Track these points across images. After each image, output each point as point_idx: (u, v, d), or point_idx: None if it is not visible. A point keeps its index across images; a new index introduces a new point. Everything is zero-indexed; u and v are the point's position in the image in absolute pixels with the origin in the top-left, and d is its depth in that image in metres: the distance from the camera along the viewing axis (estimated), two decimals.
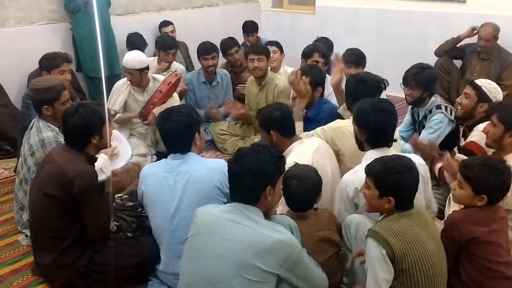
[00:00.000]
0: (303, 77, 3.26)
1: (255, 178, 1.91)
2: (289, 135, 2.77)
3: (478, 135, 2.91)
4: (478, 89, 3.08)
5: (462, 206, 2.29)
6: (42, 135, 2.85)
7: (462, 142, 3.22)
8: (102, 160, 2.72)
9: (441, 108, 3.27)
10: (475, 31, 4.76)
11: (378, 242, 1.91)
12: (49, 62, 3.52)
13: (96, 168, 2.49)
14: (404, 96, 3.46)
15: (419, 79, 3.25)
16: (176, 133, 2.40)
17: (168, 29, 5.46)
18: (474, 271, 2.12)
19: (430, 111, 3.31)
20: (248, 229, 1.86)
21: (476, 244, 2.10)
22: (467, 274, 2.13)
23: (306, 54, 4.06)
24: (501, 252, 2.13)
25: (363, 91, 2.83)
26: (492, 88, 3.09)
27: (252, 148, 2.00)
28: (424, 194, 2.44)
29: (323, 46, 4.19)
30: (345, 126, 2.82)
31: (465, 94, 3.14)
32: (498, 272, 2.11)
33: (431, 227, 2.07)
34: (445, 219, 2.32)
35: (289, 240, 1.87)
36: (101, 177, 2.48)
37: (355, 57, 4.05)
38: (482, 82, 3.13)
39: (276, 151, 2.03)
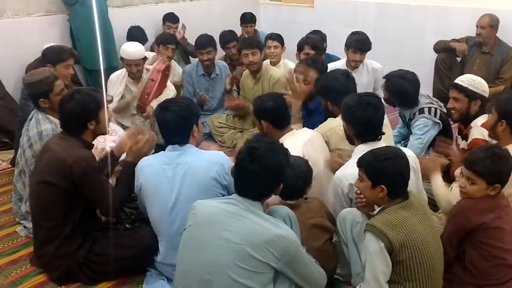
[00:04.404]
0: (300, 76, 3.25)
1: (274, 179, 1.95)
2: (281, 126, 2.78)
3: (477, 131, 2.90)
4: (464, 90, 3.00)
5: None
6: (41, 127, 2.86)
7: (460, 140, 3.21)
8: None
9: (423, 112, 3.24)
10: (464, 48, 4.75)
11: (376, 235, 1.93)
12: (55, 56, 3.48)
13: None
14: None
15: (386, 83, 3.32)
16: (174, 124, 2.40)
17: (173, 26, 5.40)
18: (479, 258, 2.14)
19: (414, 115, 3.30)
20: (249, 221, 1.87)
21: (483, 230, 2.12)
22: (471, 262, 2.15)
23: (298, 47, 4.14)
24: (505, 239, 2.15)
25: (353, 87, 2.96)
26: (477, 84, 3.00)
27: (267, 147, 1.95)
28: (416, 185, 2.46)
29: (315, 38, 4.21)
30: (337, 126, 2.83)
31: (453, 98, 3.07)
32: (503, 259, 2.14)
33: (429, 218, 2.09)
34: (452, 206, 2.32)
35: (289, 235, 1.89)
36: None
37: (362, 44, 4.09)
38: (465, 82, 3.03)
39: (285, 148, 2.05)
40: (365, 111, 2.37)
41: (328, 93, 2.99)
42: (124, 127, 3.87)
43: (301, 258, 1.95)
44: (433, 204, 2.77)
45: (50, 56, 3.49)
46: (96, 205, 2.49)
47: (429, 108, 3.25)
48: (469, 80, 3.03)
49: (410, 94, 3.29)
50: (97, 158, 2.63)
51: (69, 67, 3.52)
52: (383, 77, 3.41)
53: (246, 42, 4.22)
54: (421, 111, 3.26)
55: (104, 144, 2.88)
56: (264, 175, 1.90)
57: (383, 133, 2.47)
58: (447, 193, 2.54)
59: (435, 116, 3.24)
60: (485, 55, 4.73)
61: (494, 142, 2.87)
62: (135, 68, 3.93)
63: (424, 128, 3.22)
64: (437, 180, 2.63)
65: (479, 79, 3.07)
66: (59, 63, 3.45)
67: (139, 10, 5.59)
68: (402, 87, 3.26)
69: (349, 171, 2.31)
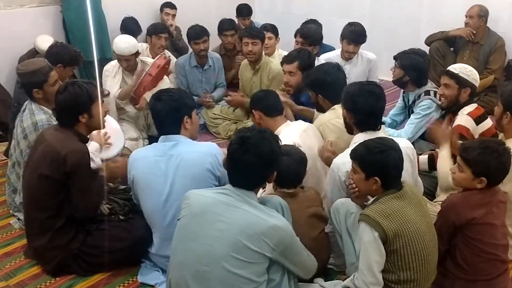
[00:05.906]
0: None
1: (269, 167, 1.95)
2: (272, 114, 2.80)
3: (463, 118, 2.94)
4: (455, 76, 3.02)
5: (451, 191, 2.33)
6: (35, 118, 2.84)
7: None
8: (93, 147, 2.75)
9: (429, 94, 3.27)
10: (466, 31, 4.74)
11: (370, 225, 1.94)
12: (70, 59, 3.40)
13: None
14: None
15: (402, 60, 3.33)
16: (164, 114, 2.40)
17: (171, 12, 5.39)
18: (470, 254, 2.14)
19: (419, 97, 3.32)
20: (244, 212, 1.87)
21: (473, 226, 2.12)
22: (463, 257, 2.15)
23: (294, 35, 4.16)
24: (497, 235, 2.15)
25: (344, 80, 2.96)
26: (468, 72, 3.03)
27: (258, 136, 1.94)
28: (411, 176, 2.46)
29: (308, 27, 4.23)
30: (328, 121, 2.84)
31: (444, 85, 3.08)
32: (494, 255, 2.14)
33: (423, 208, 2.09)
34: (443, 201, 2.33)
35: (284, 225, 1.89)
36: (92, 164, 2.51)
37: (356, 36, 4.10)
38: (457, 69, 3.06)
39: (276, 135, 2.05)
40: (367, 99, 2.37)
41: (320, 87, 2.98)
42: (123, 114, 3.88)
43: (295, 247, 1.96)
44: (430, 194, 2.79)
45: (67, 58, 3.38)
46: (75, 198, 2.43)
47: (435, 92, 3.29)
48: (461, 68, 3.08)
49: (424, 70, 3.35)
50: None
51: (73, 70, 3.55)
52: (394, 57, 3.41)
53: (248, 31, 4.17)
54: (427, 92, 3.30)
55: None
56: (258, 164, 1.90)
57: (383, 123, 2.47)
58: (447, 169, 2.56)
59: (439, 100, 3.24)
60: (475, 45, 4.74)
61: (479, 131, 2.91)
62: (125, 63, 3.91)
63: (428, 109, 3.26)
64: (444, 151, 2.68)
65: (471, 68, 3.11)
66: (69, 66, 3.42)
67: (133, 1, 5.52)
68: (418, 62, 3.31)
69: (347, 159, 2.31)
